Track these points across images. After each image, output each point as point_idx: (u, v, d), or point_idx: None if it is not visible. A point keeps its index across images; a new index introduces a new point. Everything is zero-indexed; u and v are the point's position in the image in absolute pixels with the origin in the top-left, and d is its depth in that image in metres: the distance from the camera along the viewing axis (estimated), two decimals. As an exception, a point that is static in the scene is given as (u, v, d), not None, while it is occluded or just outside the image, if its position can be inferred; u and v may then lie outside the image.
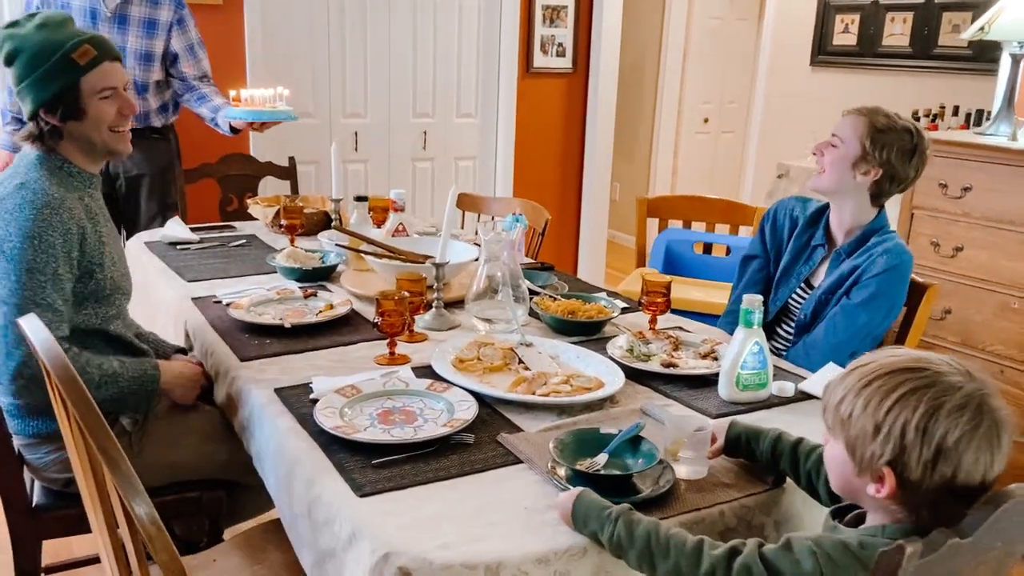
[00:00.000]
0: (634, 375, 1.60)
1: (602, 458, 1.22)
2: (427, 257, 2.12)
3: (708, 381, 1.58)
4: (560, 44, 4.44)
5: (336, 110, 4.03)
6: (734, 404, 1.50)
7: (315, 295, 2.00)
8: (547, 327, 1.89)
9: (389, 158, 4.23)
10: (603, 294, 2.15)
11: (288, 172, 3.25)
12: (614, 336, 1.83)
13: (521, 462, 1.27)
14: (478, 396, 1.46)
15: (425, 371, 1.60)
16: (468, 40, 4.33)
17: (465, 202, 3.12)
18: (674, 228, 2.71)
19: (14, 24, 1.59)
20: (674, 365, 1.63)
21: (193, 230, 2.59)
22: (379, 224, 2.66)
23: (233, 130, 2.80)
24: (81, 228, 1.53)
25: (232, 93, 2.71)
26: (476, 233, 2.44)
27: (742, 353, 1.48)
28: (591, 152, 4.66)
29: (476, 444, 1.32)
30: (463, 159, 4.47)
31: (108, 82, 1.60)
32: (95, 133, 1.59)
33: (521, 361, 1.65)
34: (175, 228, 2.55)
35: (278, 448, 1.36)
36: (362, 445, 1.28)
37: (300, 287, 2.06)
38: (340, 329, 1.84)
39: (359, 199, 2.20)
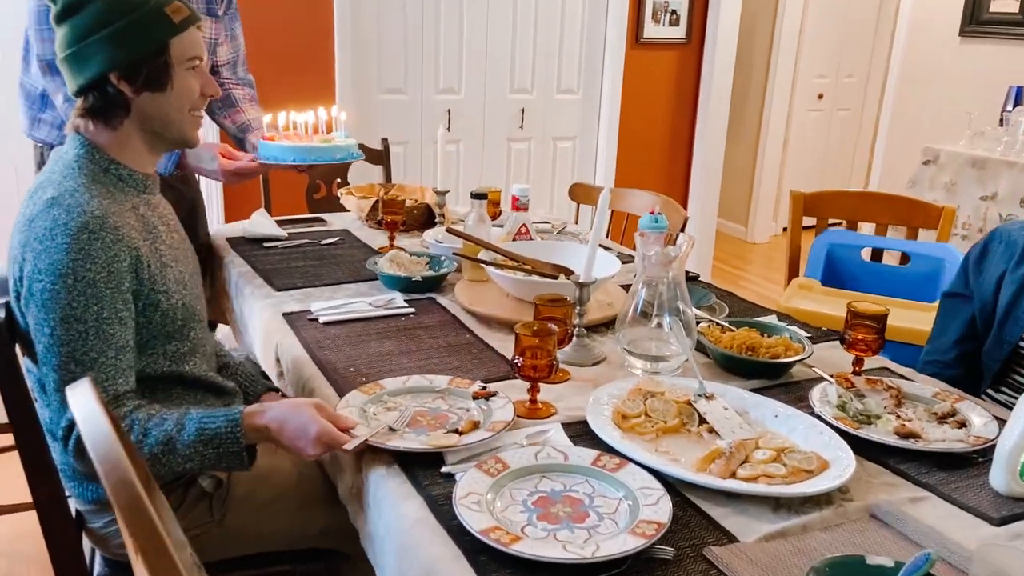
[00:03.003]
0: (856, 444, 1.21)
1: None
2: (559, 268, 1.75)
3: (965, 459, 1.18)
4: (674, 12, 3.98)
5: (428, 86, 3.68)
6: (1018, 501, 1.09)
7: (488, 396, 1.32)
8: (714, 363, 1.51)
9: (484, 138, 3.86)
10: (772, 316, 1.75)
11: (380, 156, 2.92)
12: (802, 380, 1.43)
13: (746, 594, 0.90)
14: (660, 476, 1.10)
15: (578, 428, 1.25)
16: (572, 8, 3.91)
17: (579, 193, 2.74)
18: (836, 230, 2.27)
19: None
20: (915, 436, 1.22)
21: (280, 223, 2.29)
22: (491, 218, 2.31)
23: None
24: (134, 251, 1.20)
25: (266, 118, 2.02)
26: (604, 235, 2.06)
27: (1031, 432, 1.07)
28: (702, 132, 4.21)
29: (676, 561, 0.96)
30: (562, 139, 4.08)
31: (196, 50, 1.29)
32: (175, 111, 1.27)
33: (703, 420, 1.27)
34: (261, 221, 2.25)
35: (403, 546, 1.02)
36: (525, 561, 0.92)
37: (405, 299, 1.72)
38: (462, 357, 1.50)
39: (478, 196, 1.84)
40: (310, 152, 1.92)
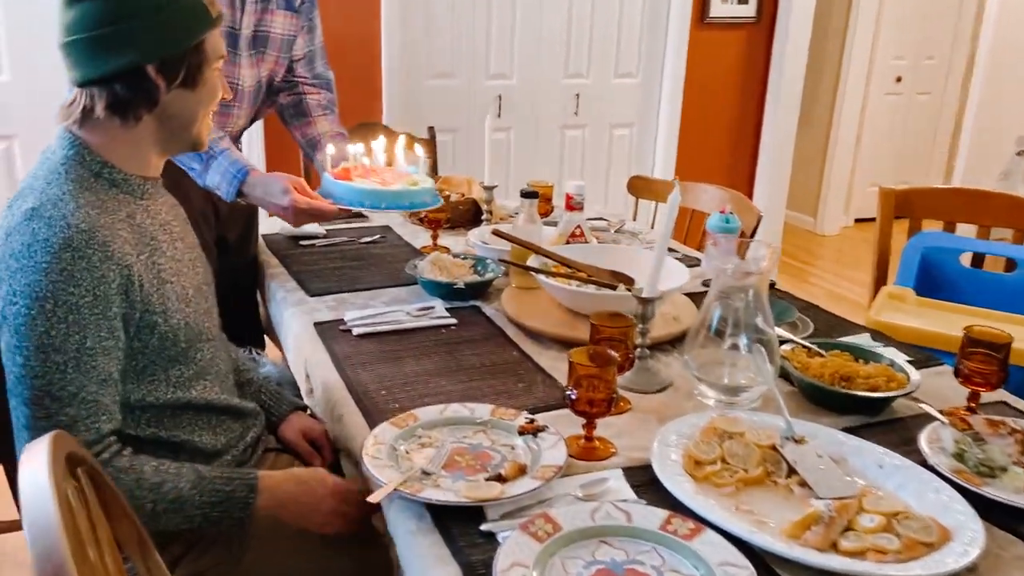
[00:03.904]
0: (979, 504, 1.00)
1: None
2: (618, 277, 1.56)
3: (1122, 533, 0.96)
4: (743, -12, 3.71)
5: (479, 70, 3.50)
6: None
7: (536, 431, 1.13)
8: (799, 392, 1.30)
9: (536, 125, 3.67)
10: (865, 335, 1.53)
11: (427, 145, 2.76)
12: (906, 416, 1.22)
13: None
14: (745, 544, 0.91)
15: (642, 475, 1.07)
16: (633, -15, 3.68)
17: (639, 187, 2.53)
18: (932, 231, 2.02)
19: None
20: (1057, 499, 1.00)
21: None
22: (542, 215, 2.13)
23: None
24: (125, 269, 1.05)
25: (329, 149, 1.72)
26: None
27: None
28: (771, 118, 3.93)
29: (769, 666, 0.77)
30: (619, 126, 3.86)
31: (222, 49, 1.16)
32: (200, 112, 1.14)
33: (792, 470, 1.07)
34: (297, 218, 2.10)
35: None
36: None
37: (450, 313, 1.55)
38: (507, 379, 1.33)
39: (528, 195, 1.66)
40: (382, 198, 1.62)
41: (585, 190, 1.72)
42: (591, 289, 1.49)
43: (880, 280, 2.07)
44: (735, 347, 1.29)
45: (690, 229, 2.38)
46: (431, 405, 1.20)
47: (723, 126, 3.93)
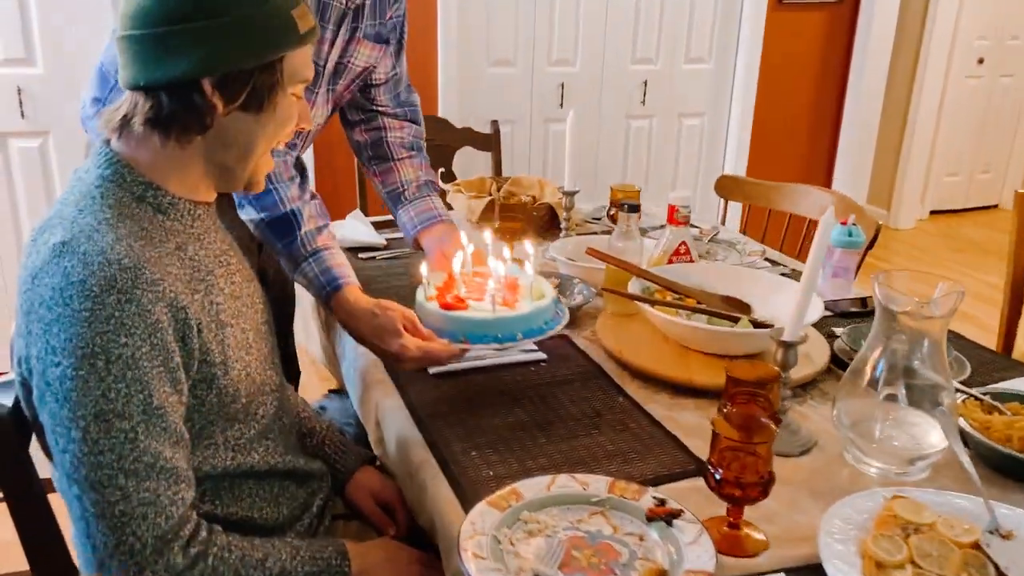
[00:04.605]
0: None
1: None
2: (731, 303, 1.34)
3: None
4: (826, -35, 3.41)
5: (540, 56, 3.27)
6: None
7: (670, 516, 0.91)
8: (975, 458, 1.06)
9: (599, 115, 3.42)
10: (1034, 379, 1.28)
11: (490, 141, 2.54)
12: None
13: None
14: None
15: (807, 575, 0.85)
16: (706, -37, 3.40)
17: (729, 187, 2.28)
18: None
19: None
20: None
21: (377, 228, 1.94)
22: (616, 222, 1.90)
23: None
24: (180, 311, 0.86)
25: (423, 270, 1.26)
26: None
27: None
28: (853, 107, 3.64)
29: None
30: (689, 116, 3.59)
31: (307, 72, 0.95)
32: (263, 144, 0.93)
33: (1000, 572, 0.84)
34: (356, 227, 1.91)
35: None
36: None
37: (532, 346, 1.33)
38: (617, 435, 1.11)
39: (630, 207, 1.43)
40: (514, 326, 1.18)
41: (691, 201, 1.49)
42: (713, 328, 1.26)
43: (1017, 303, 1.81)
44: (891, 396, 1.07)
45: (787, 237, 2.14)
46: (533, 477, 0.99)
47: (800, 115, 3.64)
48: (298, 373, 1.81)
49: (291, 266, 1.28)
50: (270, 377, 1.01)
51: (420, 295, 1.24)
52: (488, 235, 1.34)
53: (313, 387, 2.23)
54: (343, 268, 1.26)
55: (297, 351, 1.80)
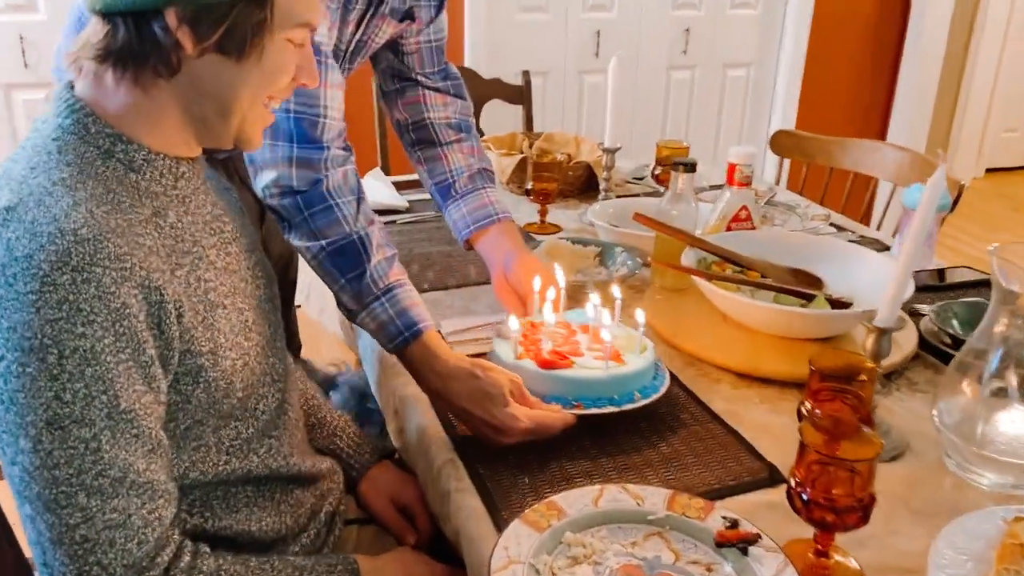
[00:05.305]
0: None
1: None
2: (800, 276, 1.17)
3: None
4: (889, -102, 3.12)
5: (574, 3, 3.04)
6: None
7: (745, 543, 0.75)
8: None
9: (637, 66, 3.20)
10: None
11: (520, 93, 2.35)
12: None
13: None
14: None
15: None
16: (756, -103, 3.13)
17: (786, 144, 2.07)
18: None
19: None
20: None
21: (399, 188, 1.78)
22: (664, 183, 1.73)
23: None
24: (154, 292, 0.70)
25: (513, 324, 1.01)
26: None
27: None
28: (912, 57, 3.38)
29: None
30: (734, 67, 3.35)
31: (310, 14, 0.76)
32: (248, 96, 0.75)
33: None
34: (376, 187, 1.75)
35: None
36: None
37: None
38: (668, 434, 0.95)
39: (685, 166, 1.24)
40: (627, 384, 0.97)
41: (753, 159, 1.30)
42: (788, 306, 1.09)
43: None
44: (999, 391, 0.90)
45: (850, 197, 1.94)
46: (576, 487, 0.84)
47: (854, 66, 3.38)
48: (299, 347, 1.66)
49: (355, 305, 1.00)
50: (273, 365, 0.86)
51: (503, 350, 1.00)
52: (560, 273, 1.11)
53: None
54: (420, 308, 1.00)
55: (299, 324, 1.64)
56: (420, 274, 1.38)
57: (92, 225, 0.67)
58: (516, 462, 0.91)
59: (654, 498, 0.82)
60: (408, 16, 1.24)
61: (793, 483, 0.75)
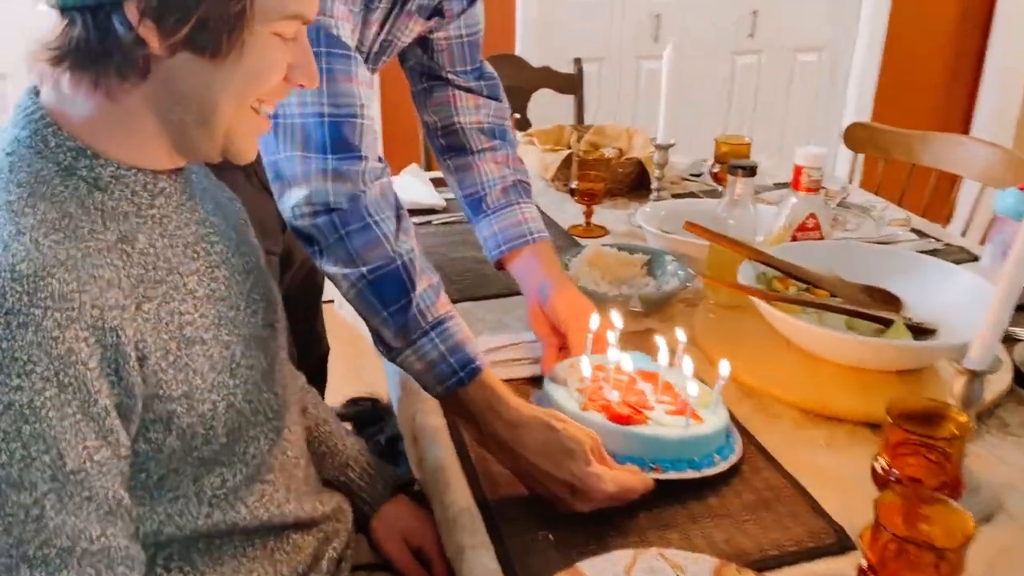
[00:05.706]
0: None
1: None
2: (874, 294, 1.03)
3: None
4: None
5: (632, -17, 2.89)
6: None
7: None
8: None
9: (700, 51, 3.02)
10: None
11: (571, 82, 2.22)
12: None
13: None
14: None
15: None
16: None
17: (861, 138, 1.90)
18: None
19: None
20: None
21: (437, 185, 1.68)
22: (722, 182, 1.59)
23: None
24: (109, 334, 0.61)
25: (585, 367, 0.90)
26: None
27: None
28: (1000, 41, 3.11)
29: None
30: (805, 52, 3.15)
31: (301, 5, 0.66)
32: (229, 98, 0.65)
33: None
34: (413, 184, 1.65)
35: None
36: None
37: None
38: (718, 484, 0.83)
39: (744, 170, 1.10)
40: (707, 444, 0.85)
41: (823, 161, 1.15)
42: (860, 335, 0.95)
43: None
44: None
45: (933, 198, 1.76)
46: (607, 548, 0.73)
47: (937, 52, 3.14)
48: (326, 350, 1.56)
49: (399, 343, 0.86)
50: (267, 401, 0.77)
51: (561, 397, 0.88)
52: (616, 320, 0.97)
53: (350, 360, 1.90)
54: (474, 344, 0.86)
55: (331, 326, 1.53)
56: (455, 283, 1.28)
57: (34, 259, 0.58)
58: (541, 514, 0.80)
59: (697, 568, 0.70)
60: (437, 12, 1.12)
61: (864, 565, 0.62)
